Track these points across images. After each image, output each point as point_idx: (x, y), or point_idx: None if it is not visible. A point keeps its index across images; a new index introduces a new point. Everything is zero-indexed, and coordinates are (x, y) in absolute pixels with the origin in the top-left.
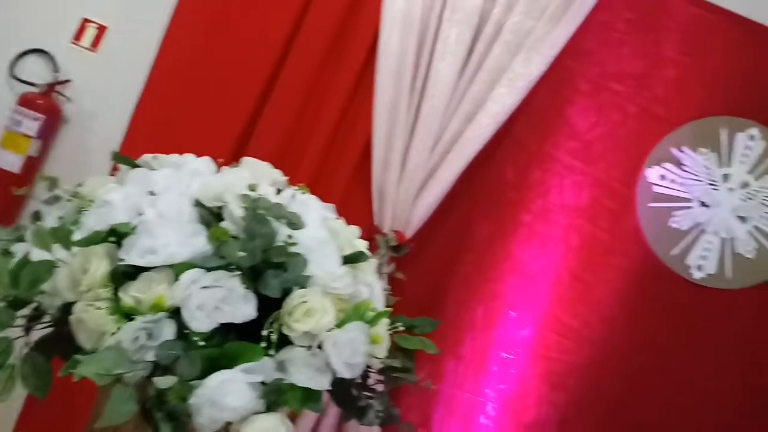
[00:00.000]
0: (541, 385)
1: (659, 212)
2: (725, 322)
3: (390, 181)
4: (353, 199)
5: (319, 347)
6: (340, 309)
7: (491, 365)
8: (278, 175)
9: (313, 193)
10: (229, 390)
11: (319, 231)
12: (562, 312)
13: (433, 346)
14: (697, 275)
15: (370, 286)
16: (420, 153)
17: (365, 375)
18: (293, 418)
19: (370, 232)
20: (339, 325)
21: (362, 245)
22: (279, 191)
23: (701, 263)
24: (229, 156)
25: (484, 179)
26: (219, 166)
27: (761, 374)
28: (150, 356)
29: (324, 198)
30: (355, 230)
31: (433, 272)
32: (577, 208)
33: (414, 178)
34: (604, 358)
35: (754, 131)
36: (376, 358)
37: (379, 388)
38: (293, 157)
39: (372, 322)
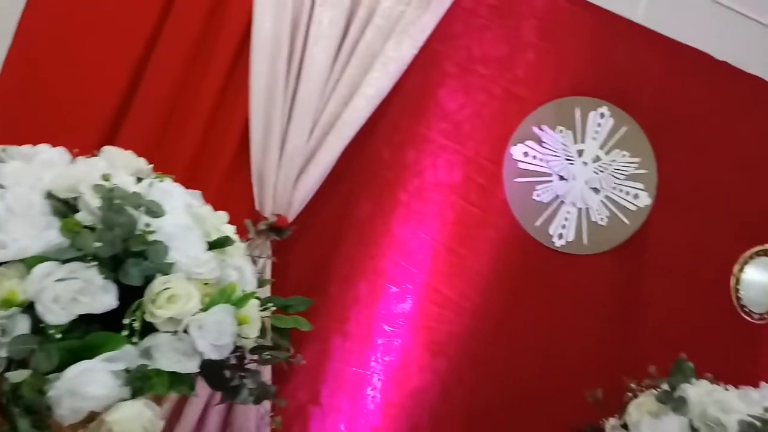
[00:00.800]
0: (424, 354)
1: (524, 186)
2: (584, 285)
3: (269, 166)
4: (234, 184)
5: (186, 332)
6: (206, 294)
7: (376, 339)
8: (142, 164)
9: (192, 180)
10: (90, 380)
11: (181, 218)
12: (440, 284)
13: (305, 324)
14: (558, 243)
15: (240, 269)
16: (298, 136)
17: (241, 356)
18: (179, 407)
19: (251, 217)
20: (205, 309)
21: (230, 230)
22: (140, 180)
23: (561, 232)
24: (98, 146)
25: (362, 161)
26: (75, 156)
27: (613, 330)
28: (2, 352)
29: (203, 184)
30: (222, 216)
31: (317, 252)
32: (451, 185)
33: (293, 162)
34: (481, 325)
35: (604, 109)
36: (248, 338)
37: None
38: (170, 144)
39: (239, 303)
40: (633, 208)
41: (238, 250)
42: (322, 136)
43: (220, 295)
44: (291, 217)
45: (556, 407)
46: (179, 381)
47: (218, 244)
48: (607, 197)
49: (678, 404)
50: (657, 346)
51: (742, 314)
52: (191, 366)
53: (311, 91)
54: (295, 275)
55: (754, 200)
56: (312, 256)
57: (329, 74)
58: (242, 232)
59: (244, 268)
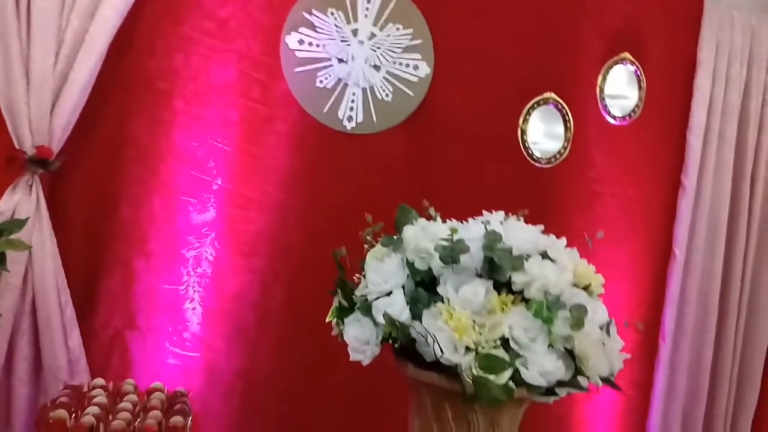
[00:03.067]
0: (236, 257)
1: (305, 75)
2: (381, 162)
3: (17, 97)
4: None
5: None
6: None
7: (183, 253)
8: None
9: None
10: None
11: None
12: (239, 186)
13: (22, 244)
14: (349, 126)
15: None
16: (43, 60)
17: None
18: None
19: (12, 153)
20: None
21: None
22: None
23: (350, 114)
24: None
25: (126, 74)
26: None
27: (413, 200)
28: None
29: None
30: None
31: (98, 178)
32: (228, 85)
33: (44, 88)
34: (287, 218)
35: None
36: None
37: None
38: None
39: None
40: (414, 79)
41: None
42: (71, 54)
43: None
44: (56, 147)
45: None
46: None
47: None
48: (388, 72)
49: (397, 244)
50: (457, 207)
51: (533, 162)
52: None
53: (47, 7)
54: (78, 206)
55: (526, 59)
56: (93, 184)
57: None
58: None
59: None
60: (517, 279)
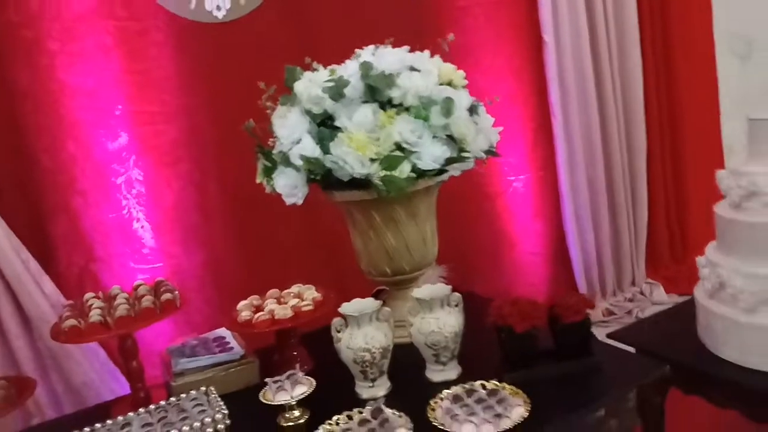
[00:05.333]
0: (162, 169)
1: None
2: (258, 39)
3: None
4: None
5: None
6: None
7: (114, 181)
8: None
9: None
10: None
11: None
12: (139, 105)
13: None
14: (221, 15)
15: None
16: None
17: None
18: None
19: None
20: None
21: None
22: None
23: (218, 3)
24: None
25: None
26: None
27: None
28: None
29: None
30: None
31: (6, 138)
32: (91, 13)
33: None
34: (194, 119)
35: None
36: None
37: None
38: None
39: None
40: None
41: None
42: None
43: None
44: None
45: None
46: None
47: None
48: None
49: (292, 99)
50: (340, 51)
51: None
52: None
53: None
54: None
55: None
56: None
57: None
58: None
59: None
60: (394, 93)
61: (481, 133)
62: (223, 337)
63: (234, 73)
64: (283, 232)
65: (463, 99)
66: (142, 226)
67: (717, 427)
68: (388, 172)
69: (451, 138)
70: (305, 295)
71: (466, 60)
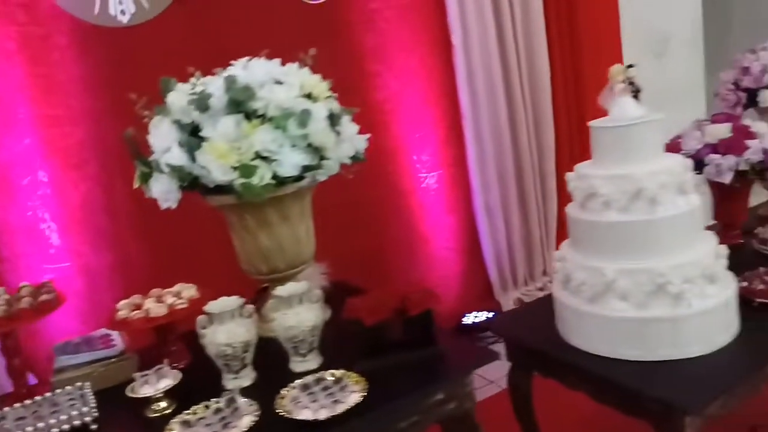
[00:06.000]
0: (69, 171)
1: None
2: (163, 44)
3: None
4: None
5: None
6: None
7: (20, 183)
8: None
9: None
10: None
11: None
12: (44, 109)
13: None
14: (125, 20)
15: None
16: None
17: None
18: None
19: None
20: None
21: None
22: None
23: (121, 8)
24: None
25: None
26: None
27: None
28: None
29: None
30: None
31: None
32: None
33: None
34: (100, 122)
35: None
36: None
37: None
38: None
39: None
40: None
41: None
42: None
43: None
44: None
45: None
46: None
47: None
48: None
49: (164, 110)
50: None
51: (308, 1)
52: None
53: None
54: None
55: None
56: None
57: None
58: None
59: None
60: (256, 105)
61: (346, 141)
62: (109, 335)
63: (139, 76)
64: (188, 232)
65: (320, 110)
66: (49, 227)
67: (572, 408)
68: (245, 180)
69: (312, 146)
70: (183, 294)
71: (380, 62)
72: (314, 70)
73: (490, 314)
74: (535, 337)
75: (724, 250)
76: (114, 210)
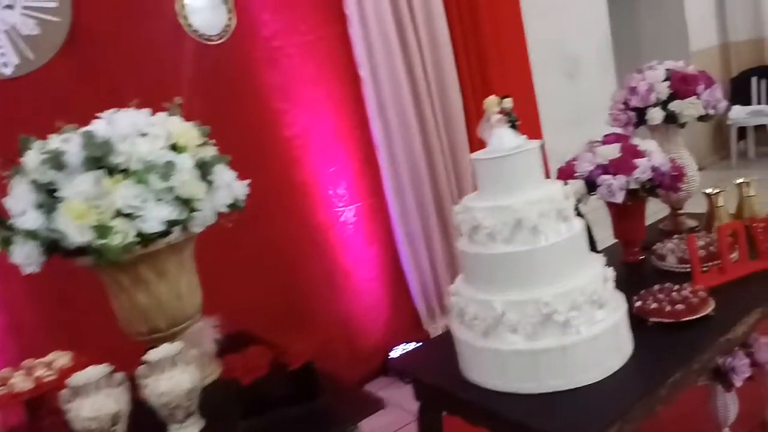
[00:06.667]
0: None
1: None
2: (50, 94)
3: None
4: None
5: None
6: None
7: None
8: None
9: None
10: None
11: None
12: None
13: None
14: (9, 71)
15: None
16: None
17: None
18: None
19: None
20: None
21: None
22: None
23: (4, 60)
24: None
25: None
26: None
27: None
28: None
29: None
30: None
31: None
32: None
33: None
34: None
35: None
36: None
37: None
38: None
39: None
40: (54, 4)
41: None
42: None
43: None
44: None
45: None
46: None
47: None
48: (24, 7)
49: (21, 170)
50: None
51: (202, 41)
52: None
53: None
54: None
55: None
56: None
57: None
58: None
59: None
60: (117, 159)
61: (220, 189)
62: None
63: (24, 128)
64: (79, 292)
65: (186, 161)
66: None
67: None
68: (103, 240)
69: (181, 199)
70: (56, 363)
71: (287, 99)
72: (186, 117)
73: (419, 344)
74: (436, 375)
75: (611, 273)
76: (4, 270)
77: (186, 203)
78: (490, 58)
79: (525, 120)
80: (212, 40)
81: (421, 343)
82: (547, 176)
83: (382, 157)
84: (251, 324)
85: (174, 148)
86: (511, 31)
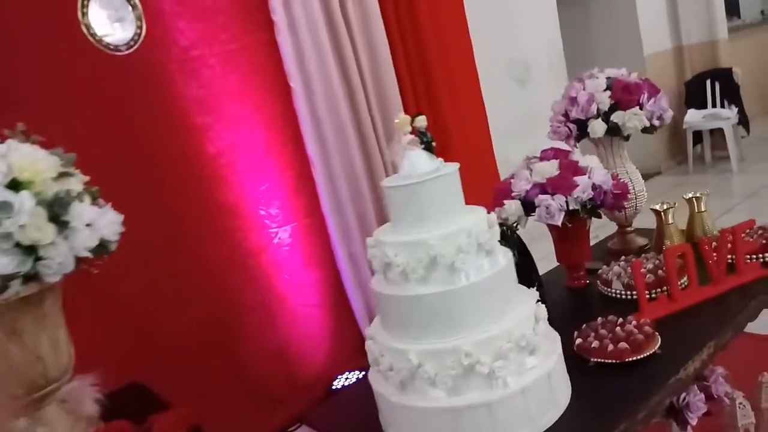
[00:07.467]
0: None
1: None
2: None
3: None
4: None
5: None
6: None
7: None
8: None
9: None
10: None
11: None
12: None
13: None
14: None
15: None
16: None
17: None
18: None
19: None
20: None
21: None
22: None
23: None
24: None
25: None
26: None
27: None
28: None
29: None
30: None
31: None
32: None
33: None
34: None
35: None
36: None
37: None
38: None
39: None
40: None
41: None
42: None
43: None
44: None
45: None
46: None
47: None
48: None
49: None
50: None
51: (108, 51)
52: None
53: None
54: None
55: None
56: None
57: None
58: None
59: None
60: None
61: (80, 230)
62: None
63: None
64: None
65: (26, 200)
66: None
67: None
68: None
69: (23, 247)
70: None
71: (208, 113)
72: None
73: (362, 374)
74: (352, 430)
75: (543, 312)
76: None
77: (30, 250)
78: (433, 62)
79: (474, 128)
80: (120, 50)
81: (362, 373)
82: (497, 177)
83: (318, 173)
84: (172, 367)
85: (14, 184)
86: (455, 33)
